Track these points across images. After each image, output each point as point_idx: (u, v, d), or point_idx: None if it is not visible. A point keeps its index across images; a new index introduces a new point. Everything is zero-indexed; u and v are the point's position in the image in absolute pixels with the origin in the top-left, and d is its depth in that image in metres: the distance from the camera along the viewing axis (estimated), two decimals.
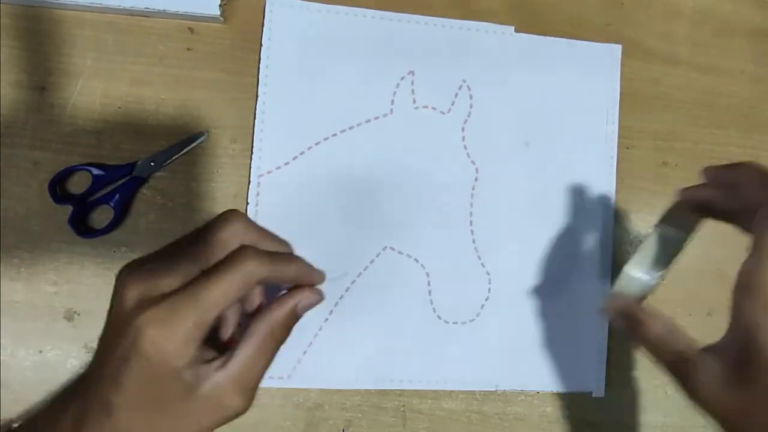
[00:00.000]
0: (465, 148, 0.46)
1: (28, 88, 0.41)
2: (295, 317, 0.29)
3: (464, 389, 0.45)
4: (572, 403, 0.47)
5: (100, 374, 0.27)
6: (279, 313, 0.28)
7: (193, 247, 0.27)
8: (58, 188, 0.40)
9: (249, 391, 0.28)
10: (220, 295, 0.26)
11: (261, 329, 0.28)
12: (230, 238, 0.28)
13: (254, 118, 0.43)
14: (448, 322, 0.45)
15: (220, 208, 0.42)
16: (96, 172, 0.40)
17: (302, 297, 0.29)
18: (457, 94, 0.46)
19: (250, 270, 0.26)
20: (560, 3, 0.48)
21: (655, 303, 0.48)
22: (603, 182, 0.48)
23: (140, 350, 0.25)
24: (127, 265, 0.27)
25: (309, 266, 0.30)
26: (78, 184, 0.41)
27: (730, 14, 0.52)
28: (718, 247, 0.50)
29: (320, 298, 0.30)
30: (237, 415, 0.28)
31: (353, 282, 0.43)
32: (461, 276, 0.45)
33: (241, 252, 0.27)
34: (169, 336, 0.25)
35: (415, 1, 0.46)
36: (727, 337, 0.30)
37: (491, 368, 0.45)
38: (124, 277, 0.26)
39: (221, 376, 0.27)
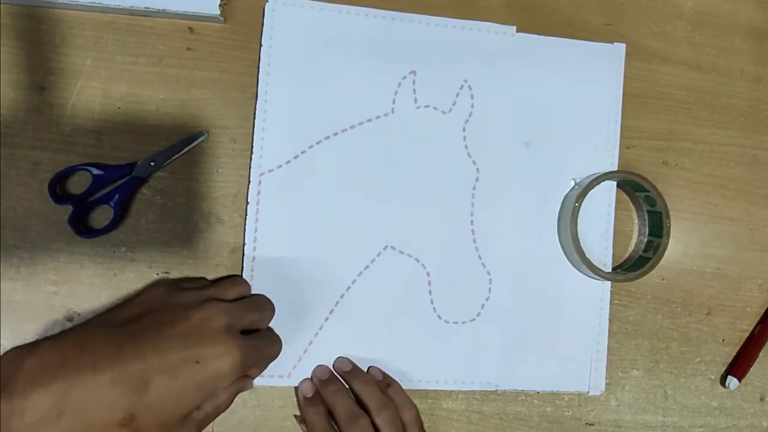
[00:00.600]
0: (466, 148, 0.46)
1: (28, 88, 0.41)
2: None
3: (464, 389, 0.45)
4: (572, 403, 0.47)
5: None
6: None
7: None
8: (58, 188, 0.40)
9: None
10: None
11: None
12: None
13: (254, 118, 0.43)
14: (448, 322, 0.45)
15: (220, 208, 0.42)
16: (96, 172, 0.40)
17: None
18: (458, 94, 0.46)
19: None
20: (560, 3, 0.48)
21: (655, 303, 0.48)
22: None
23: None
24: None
25: None
26: (78, 184, 0.41)
27: (730, 14, 0.52)
28: (718, 247, 0.50)
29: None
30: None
31: (354, 281, 0.43)
32: (462, 276, 0.45)
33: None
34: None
35: (416, 0, 0.46)
36: None
37: (491, 368, 0.45)
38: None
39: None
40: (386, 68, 0.45)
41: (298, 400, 0.42)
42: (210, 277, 0.42)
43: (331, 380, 0.42)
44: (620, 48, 0.48)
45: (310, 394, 0.41)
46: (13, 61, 0.41)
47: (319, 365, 0.42)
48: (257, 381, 0.41)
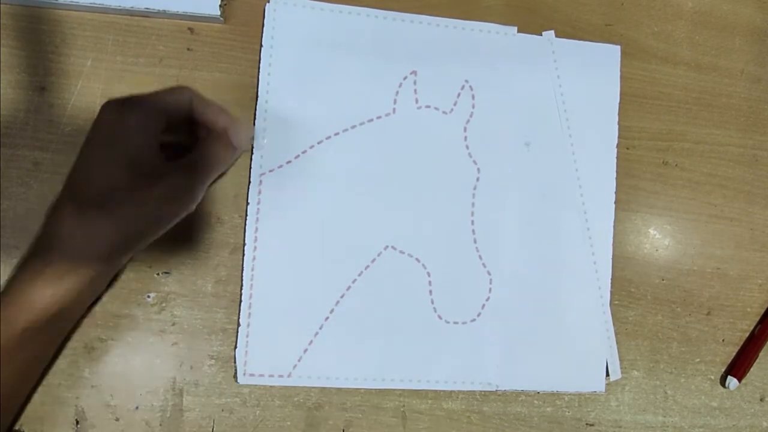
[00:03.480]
0: (467, 148, 0.46)
1: (28, 88, 0.41)
2: (230, 140, 0.37)
3: (464, 389, 0.45)
4: (572, 403, 0.47)
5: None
6: (221, 133, 0.37)
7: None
8: None
9: (197, 175, 0.35)
10: (169, 97, 0.35)
11: (209, 138, 0.36)
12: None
13: (254, 118, 0.43)
14: (448, 322, 0.45)
15: (220, 208, 0.42)
16: None
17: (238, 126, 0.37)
18: (459, 95, 0.46)
19: (189, 93, 0.36)
20: (560, 3, 0.48)
21: (655, 304, 0.48)
22: (603, 182, 0.48)
23: (103, 121, 0.33)
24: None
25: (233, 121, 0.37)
26: None
27: (730, 14, 0.52)
28: (718, 247, 0.50)
29: (250, 132, 0.40)
30: (181, 193, 0.34)
31: (354, 281, 0.43)
32: (462, 276, 0.45)
33: (183, 87, 0.36)
34: (132, 110, 0.33)
35: (417, 0, 0.46)
36: None
37: (491, 368, 0.45)
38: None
39: (177, 162, 0.34)
40: (387, 68, 0.45)
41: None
42: (210, 277, 0.42)
43: None
44: (615, 50, 0.49)
45: None
46: (13, 62, 0.41)
47: None
48: (257, 381, 0.41)
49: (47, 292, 0.32)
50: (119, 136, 0.33)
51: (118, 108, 0.33)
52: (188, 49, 0.43)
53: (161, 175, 0.33)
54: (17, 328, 0.32)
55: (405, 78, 0.45)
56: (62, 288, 0.32)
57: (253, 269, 0.42)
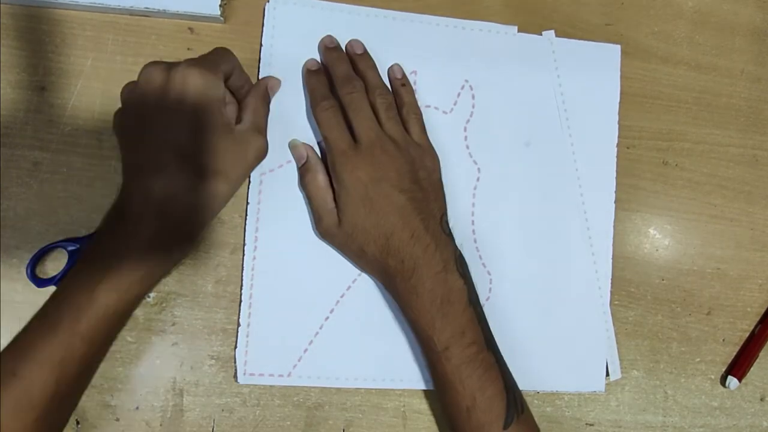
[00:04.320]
0: (467, 147, 0.46)
1: (28, 88, 0.41)
2: (267, 90, 0.42)
3: None
4: (572, 403, 0.47)
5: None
6: (258, 87, 0.41)
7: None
8: (37, 271, 0.39)
9: (262, 131, 0.40)
10: (226, 65, 0.39)
11: (251, 98, 0.41)
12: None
13: None
14: None
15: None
16: (71, 247, 0.39)
17: (268, 79, 0.43)
18: (459, 94, 0.46)
19: (235, 59, 0.40)
20: (560, 3, 0.48)
21: (655, 303, 0.48)
22: (603, 182, 0.48)
23: (186, 87, 0.36)
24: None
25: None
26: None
27: (730, 14, 0.52)
28: (718, 247, 0.50)
29: (279, 82, 0.43)
30: (263, 151, 0.40)
31: (354, 281, 0.43)
32: None
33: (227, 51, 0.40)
34: (213, 82, 0.37)
35: (417, 0, 0.46)
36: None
37: None
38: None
39: (243, 125, 0.39)
40: (387, 68, 0.45)
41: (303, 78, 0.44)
42: (210, 277, 0.42)
43: (337, 49, 0.44)
44: (615, 49, 0.49)
45: (314, 68, 0.43)
46: (13, 61, 0.41)
47: (327, 35, 0.44)
48: (257, 381, 0.41)
49: (180, 252, 0.38)
50: (211, 107, 0.37)
51: (204, 79, 0.36)
52: (188, 49, 0.43)
53: (243, 139, 0.39)
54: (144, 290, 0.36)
55: None
56: (188, 248, 0.39)
57: (253, 269, 0.42)
